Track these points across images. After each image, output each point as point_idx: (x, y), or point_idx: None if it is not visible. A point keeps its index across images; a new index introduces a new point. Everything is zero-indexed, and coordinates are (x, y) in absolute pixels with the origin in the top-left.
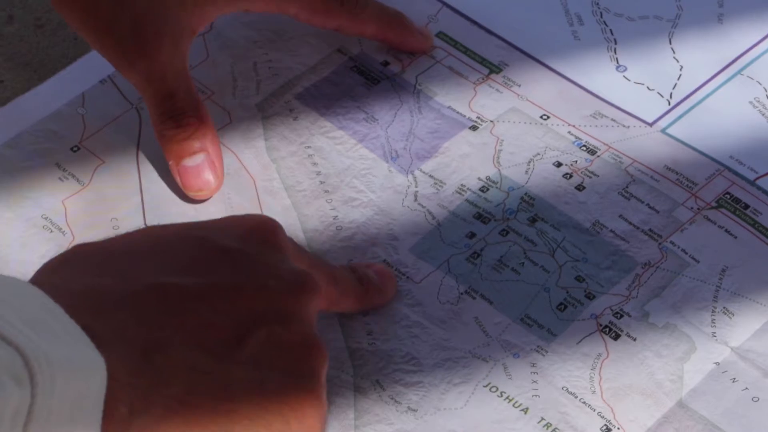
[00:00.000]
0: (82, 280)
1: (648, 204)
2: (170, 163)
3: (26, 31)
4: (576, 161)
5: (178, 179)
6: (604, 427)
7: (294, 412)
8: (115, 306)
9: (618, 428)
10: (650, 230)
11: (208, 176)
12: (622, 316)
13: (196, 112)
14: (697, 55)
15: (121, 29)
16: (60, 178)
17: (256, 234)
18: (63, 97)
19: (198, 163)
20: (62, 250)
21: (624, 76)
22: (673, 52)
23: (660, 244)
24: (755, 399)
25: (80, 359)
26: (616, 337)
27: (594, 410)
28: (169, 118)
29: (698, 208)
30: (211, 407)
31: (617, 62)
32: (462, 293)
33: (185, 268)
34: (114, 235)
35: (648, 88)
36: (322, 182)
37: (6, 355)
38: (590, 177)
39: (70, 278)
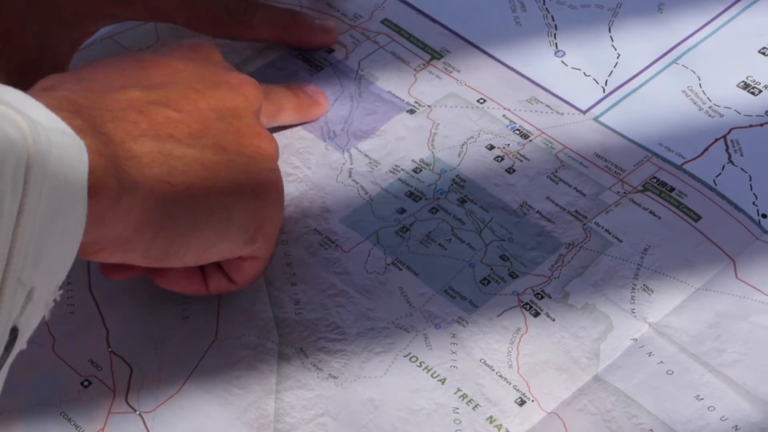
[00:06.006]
0: (58, 93)
1: (576, 188)
2: None
3: None
4: (508, 144)
5: None
6: (519, 400)
7: (259, 186)
8: (89, 108)
9: (532, 400)
10: (576, 212)
11: None
12: (543, 297)
13: None
14: (634, 44)
15: None
16: None
17: (199, 52)
18: None
19: None
20: None
21: (562, 61)
22: (612, 40)
23: (585, 224)
24: (669, 372)
25: (67, 136)
26: (536, 314)
27: (509, 383)
28: None
29: (624, 192)
30: (189, 185)
31: (556, 47)
32: (389, 264)
33: (147, 82)
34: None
35: (584, 74)
36: None
37: (7, 112)
38: (521, 161)
39: (49, 92)
